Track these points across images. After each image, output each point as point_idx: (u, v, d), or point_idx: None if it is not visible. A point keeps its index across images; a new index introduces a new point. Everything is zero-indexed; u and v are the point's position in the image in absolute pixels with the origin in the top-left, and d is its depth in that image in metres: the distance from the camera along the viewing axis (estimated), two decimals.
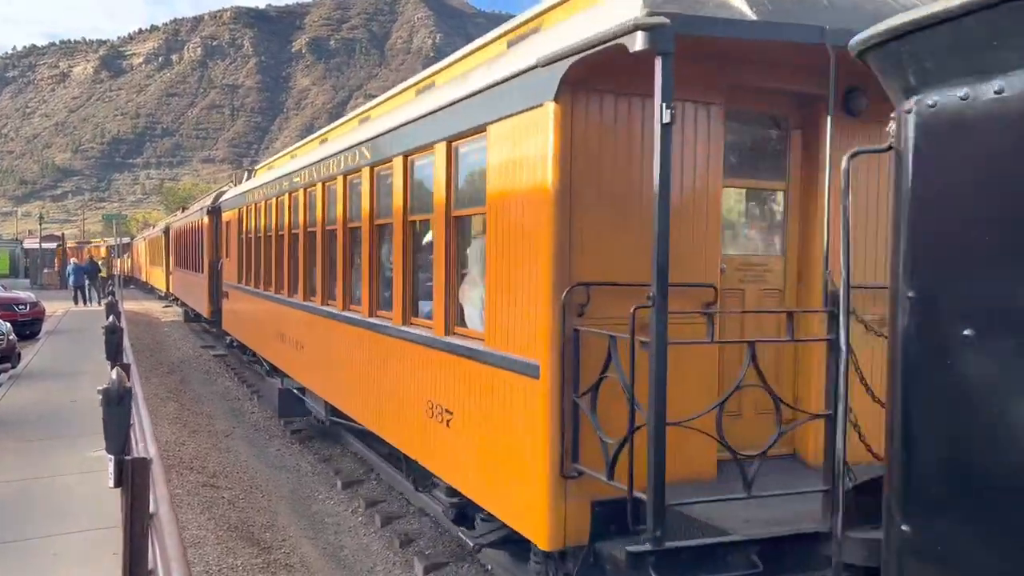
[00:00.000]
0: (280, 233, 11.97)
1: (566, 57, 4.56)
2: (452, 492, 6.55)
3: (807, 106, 5.69)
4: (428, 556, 7.58)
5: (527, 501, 5.00)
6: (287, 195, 11.43)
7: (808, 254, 5.71)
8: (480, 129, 5.68)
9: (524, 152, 5.05)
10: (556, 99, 4.73)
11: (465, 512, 6.72)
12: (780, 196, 5.77)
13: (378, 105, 9.53)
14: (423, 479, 7.66)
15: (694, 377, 5.00)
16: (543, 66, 4.78)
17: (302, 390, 11.66)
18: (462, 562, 7.44)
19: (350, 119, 10.52)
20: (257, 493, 10.00)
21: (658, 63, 4.04)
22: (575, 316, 4.82)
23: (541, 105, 4.85)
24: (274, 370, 13.26)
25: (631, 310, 4.19)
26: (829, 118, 4.32)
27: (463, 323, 6.29)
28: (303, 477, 10.76)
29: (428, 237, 7.47)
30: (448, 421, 6.17)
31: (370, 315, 7.96)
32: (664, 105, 4.01)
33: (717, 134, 5.23)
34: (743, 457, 4.26)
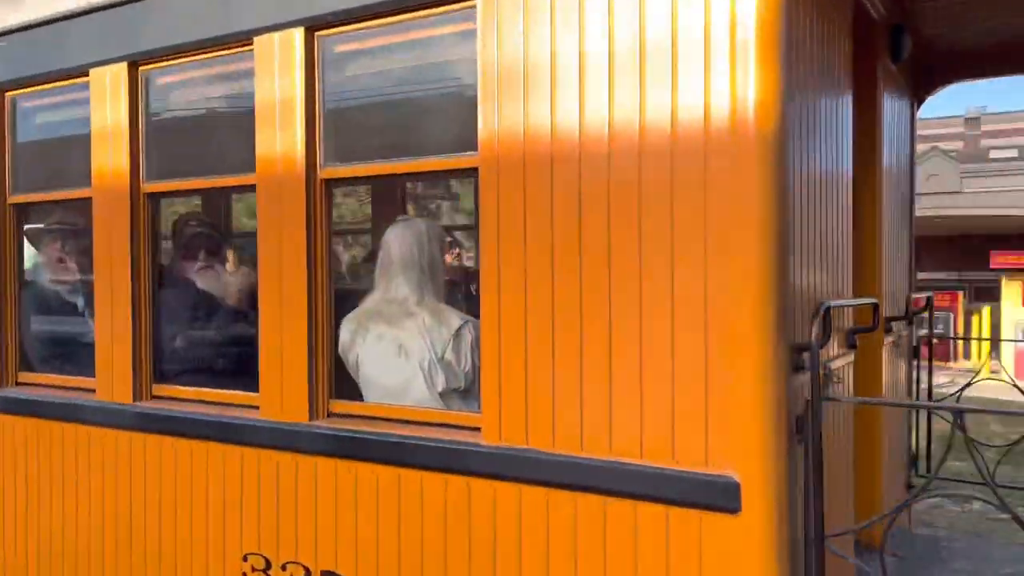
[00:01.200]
0: None
1: None
2: None
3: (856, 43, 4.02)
4: None
5: None
6: None
7: (859, 256, 4.00)
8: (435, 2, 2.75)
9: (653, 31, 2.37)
10: None
11: None
12: None
13: None
14: None
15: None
16: None
17: None
18: None
19: None
20: None
21: None
22: (795, 370, 2.34)
23: None
24: None
25: None
26: None
27: (340, 392, 3.16)
28: None
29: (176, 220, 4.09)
30: None
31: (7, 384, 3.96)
32: None
33: (846, 77, 3.23)
34: None
